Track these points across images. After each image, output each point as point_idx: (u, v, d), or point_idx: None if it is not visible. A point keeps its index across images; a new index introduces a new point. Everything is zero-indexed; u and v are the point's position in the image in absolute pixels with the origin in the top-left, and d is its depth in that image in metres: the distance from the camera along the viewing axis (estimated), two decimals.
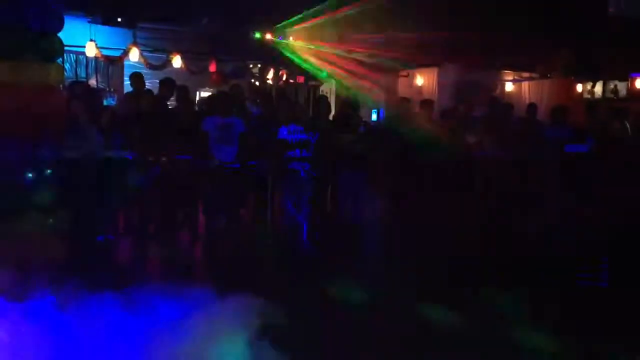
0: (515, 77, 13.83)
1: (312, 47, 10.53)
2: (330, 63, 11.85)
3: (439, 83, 12.63)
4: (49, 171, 4.61)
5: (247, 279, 5.23)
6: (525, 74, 13.57)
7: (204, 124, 6.83)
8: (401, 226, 7.17)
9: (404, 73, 13.48)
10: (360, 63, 11.83)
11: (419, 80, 13.24)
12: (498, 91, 13.17)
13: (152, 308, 4.07)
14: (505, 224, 7.00)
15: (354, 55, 11.32)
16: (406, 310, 4.78)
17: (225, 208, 6.91)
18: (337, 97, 13.65)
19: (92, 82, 9.97)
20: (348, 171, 7.24)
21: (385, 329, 4.44)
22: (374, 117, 12.68)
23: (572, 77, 12.86)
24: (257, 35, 9.31)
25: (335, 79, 14.55)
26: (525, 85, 13.77)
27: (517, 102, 11.27)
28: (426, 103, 8.13)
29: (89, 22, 9.14)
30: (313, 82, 14.11)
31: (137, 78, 7.49)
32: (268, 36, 9.43)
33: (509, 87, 13.83)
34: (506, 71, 13.65)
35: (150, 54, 9.75)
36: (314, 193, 7.11)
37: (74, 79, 9.38)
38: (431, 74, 12.94)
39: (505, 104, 8.81)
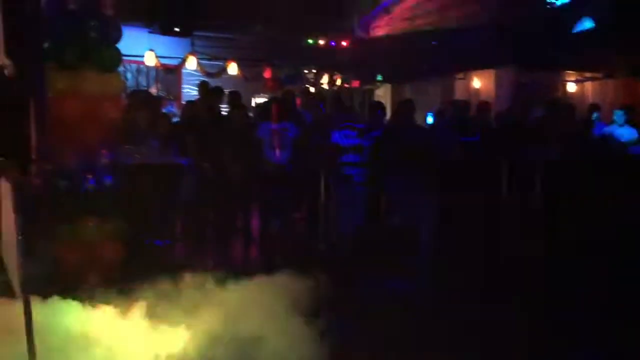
0: (578, 78, 13.36)
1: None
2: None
3: (496, 85, 12.35)
4: (108, 177, 4.78)
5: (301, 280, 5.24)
6: (588, 74, 13.08)
7: (257, 130, 6.94)
8: (455, 230, 7.07)
9: (461, 76, 13.26)
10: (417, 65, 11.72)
11: (476, 83, 12.99)
12: (560, 92, 12.76)
13: (209, 309, 4.13)
14: (564, 225, 6.80)
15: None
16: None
17: (279, 212, 6.99)
18: (393, 100, 13.58)
19: (153, 90, 10.27)
20: (402, 176, 7.18)
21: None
22: (430, 120, 12.52)
23: (635, 77, 12.30)
24: (310, 41, 9.40)
25: (391, 82, 14.48)
26: (588, 85, 13.28)
27: (580, 103, 10.88)
28: (482, 106, 7.98)
29: (149, 32, 9.45)
30: (368, 86, 14.08)
31: (202, 87, 7.69)
32: (321, 41, 9.50)
33: (572, 87, 13.37)
34: (568, 71, 13.20)
35: (207, 62, 9.99)
36: (367, 198, 7.09)
37: (135, 88, 9.69)
38: (489, 76, 12.67)
39: (566, 105, 8.53)
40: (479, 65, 12.04)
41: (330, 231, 7.07)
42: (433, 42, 11.36)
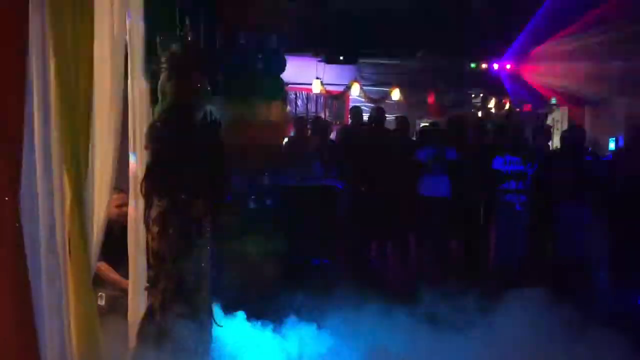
0: None
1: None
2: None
3: None
4: (269, 198, 5.10)
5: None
6: None
7: (417, 154, 6.97)
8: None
9: None
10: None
11: None
12: None
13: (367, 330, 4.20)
14: None
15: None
16: None
17: (435, 238, 6.91)
18: (570, 125, 12.73)
19: (320, 115, 10.76)
20: (572, 204, 6.71)
21: None
22: (612, 146, 11.50)
23: None
24: (473, 65, 9.25)
25: (567, 105, 13.61)
26: None
27: None
28: None
29: (317, 61, 9.96)
30: (541, 110, 13.37)
31: (355, 112, 7.93)
32: (484, 65, 9.29)
33: None
34: None
35: (372, 88, 10.24)
36: (530, 227, 6.72)
37: (304, 113, 10.23)
38: None
39: None
40: None
41: (489, 263, 6.80)
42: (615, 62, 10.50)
